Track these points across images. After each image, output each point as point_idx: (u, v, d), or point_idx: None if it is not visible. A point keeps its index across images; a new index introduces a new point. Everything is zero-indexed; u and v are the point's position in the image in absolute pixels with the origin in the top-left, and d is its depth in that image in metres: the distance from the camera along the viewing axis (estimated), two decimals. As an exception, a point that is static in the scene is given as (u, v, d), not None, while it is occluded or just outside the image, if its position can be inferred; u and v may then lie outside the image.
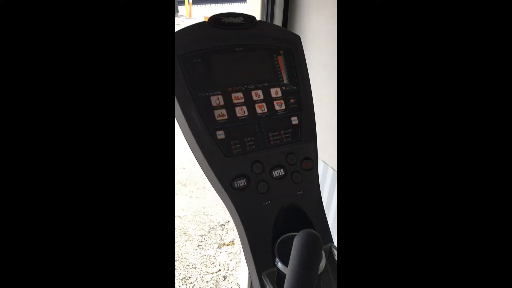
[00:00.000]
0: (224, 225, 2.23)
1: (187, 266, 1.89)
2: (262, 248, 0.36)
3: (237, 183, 0.37)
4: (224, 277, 1.87)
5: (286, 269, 0.35)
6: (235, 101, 0.40)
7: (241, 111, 0.40)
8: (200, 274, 1.87)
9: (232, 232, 2.19)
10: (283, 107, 0.43)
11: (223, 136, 0.38)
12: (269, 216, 0.38)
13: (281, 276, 0.36)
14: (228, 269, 1.90)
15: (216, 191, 0.38)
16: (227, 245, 2.06)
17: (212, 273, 1.89)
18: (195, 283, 1.82)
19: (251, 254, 0.36)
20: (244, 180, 0.37)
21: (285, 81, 0.44)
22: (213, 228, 2.20)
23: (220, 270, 1.91)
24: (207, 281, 1.84)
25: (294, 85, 0.45)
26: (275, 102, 0.43)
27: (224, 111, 0.39)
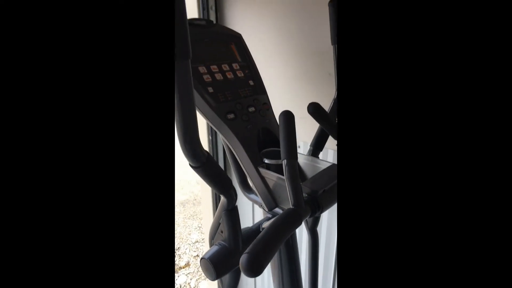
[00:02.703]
0: (175, 251, 2.22)
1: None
2: (253, 152, 0.57)
3: (229, 116, 0.57)
4: (189, 296, 1.87)
5: (273, 161, 0.56)
6: (213, 70, 0.61)
7: (219, 76, 0.61)
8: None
9: (184, 256, 2.19)
10: (242, 74, 0.66)
11: (212, 91, 0.58)
12: (253, 134, 0.58)
13: (269, 166, 0.56)
14: (191, 287, 1.90)
15: (215, 126, 0.57)
16: (183, 267, 2.06)
17: (175, 296, 1.87)
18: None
19: (247, 155, 0.55)
20: (233, 114, 0.58)
21: (239, 60, 0.67)
22: (164, 258, 2.17)
23: (182, 291, 1.90)
24: (172, 306, 1.81)
25: (245, 62, 0.68)
26: (237, 72, 0.65)
27: (208, 76, 0.59)
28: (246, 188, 0.71)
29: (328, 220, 0.90)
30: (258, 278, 1.15)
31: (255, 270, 0.34)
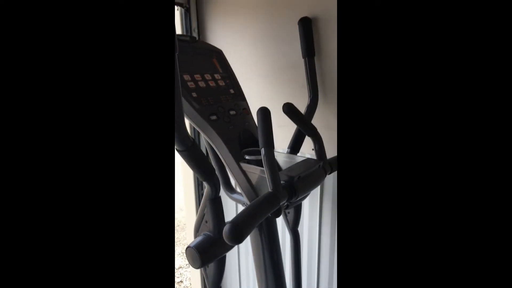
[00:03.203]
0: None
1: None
2: (235, 150, 0.62)
3: (212, 117, 0.62)
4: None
5: (253, 156, 0.61)
6: (196, 79, 0.67)
7: (202, 84, 0.67)
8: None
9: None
10: (224, 84, 0.72)
11: (196, 95, 0.64)
12: (234, 134, 0.64)
13: (250, 162, 0.61)
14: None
15: (199, 127, 0.62)
16: None
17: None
18: None
19: (230, 153, 0.60)
20: (215, 116, 0.63)
21: (221, 71, 0.74)
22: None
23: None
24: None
25: (226, 73, 0.75)
26: (218, 81, 0.72)
27: (192, 83, 0.65)
28: (229, 189, 0.74)
29: (309, 220, 0.94)
30: (244, 277, 1.15)
31: (236, 238, 0.38)
